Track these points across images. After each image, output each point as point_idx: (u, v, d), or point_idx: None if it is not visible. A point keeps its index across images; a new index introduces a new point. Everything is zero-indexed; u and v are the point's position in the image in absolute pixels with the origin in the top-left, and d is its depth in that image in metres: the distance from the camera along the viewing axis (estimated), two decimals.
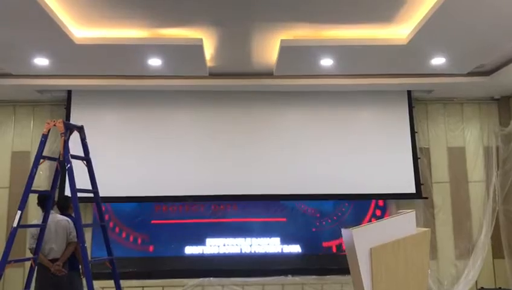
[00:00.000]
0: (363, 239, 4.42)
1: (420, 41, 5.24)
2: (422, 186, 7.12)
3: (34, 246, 4.69)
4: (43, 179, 6.80)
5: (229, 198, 6.96)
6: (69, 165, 4.16)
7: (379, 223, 4.60)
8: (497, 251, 7.21)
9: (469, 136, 7.51)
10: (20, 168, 7.00)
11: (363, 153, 7.03)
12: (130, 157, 6.90)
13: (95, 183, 4.57)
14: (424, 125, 7.49)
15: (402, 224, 4.60)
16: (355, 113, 7.22)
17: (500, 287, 7.05)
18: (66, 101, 6.99)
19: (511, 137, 7.32)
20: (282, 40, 5.43)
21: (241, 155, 6.99)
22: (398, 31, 5.34)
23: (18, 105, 7.27)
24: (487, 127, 7.51)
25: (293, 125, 7.14)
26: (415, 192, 7.02)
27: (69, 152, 4.24)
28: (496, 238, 7.19)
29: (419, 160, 7.14)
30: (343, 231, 4.75)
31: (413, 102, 7.28)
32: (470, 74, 6.56)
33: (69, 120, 6.76)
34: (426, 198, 7.13)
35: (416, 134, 7.22)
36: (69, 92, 6.95)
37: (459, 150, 7.49)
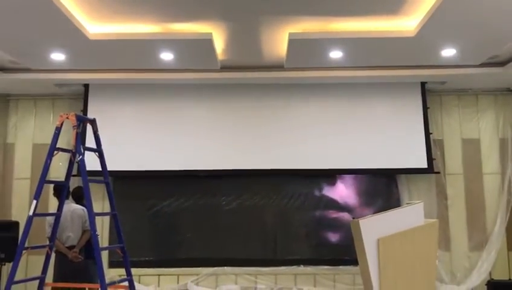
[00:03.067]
0: (371, 230, 4.45)
1: (428, 33, 5.21)
2: (434, 164, 7.08)
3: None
4: (63, 171, 7.00)
5: (241, 172, 7.12)
6: (80, 157, 4.31)
7: (387, 214, 4.60)
8: (511, 243, 7.14)
9: (484, 128, 7.41)
10: (41, 160, 7.08)
11: (377, 135, 7.09)
12: (146, 148, 7.05)
13: (107, 174, 4.72)
14: (438, 117, 7.42)
15: (410, 215, 4.62)
16: (368, 104, 7.19)
17: (510, 279, 6.99)
18: (83, 94, 7.19)
19: None
20: (290, 33, 5.46)
21: (251, 148, 7.08)
22: (406, 23, 5.32)
23: (38, 99, 7.50)
24: (502, 118, 7.39)
25: (304, 117, 7.16)
26: (427, 167, 7.02)
27: (81, 144, 4.40)
28: (510, 231, 7.11)
29: (431, 135, 7.11)
30: (351, 222, 4.79)
31: (427, 93, 7.22)
32: (484, 64, 6.46)
33: (86, 113, 6.97)
34: (438, 173, 7.14)
35: (428, 109, 7.17)
36: (86, 86, 7.14)
37: (474, 142, 7.40)
